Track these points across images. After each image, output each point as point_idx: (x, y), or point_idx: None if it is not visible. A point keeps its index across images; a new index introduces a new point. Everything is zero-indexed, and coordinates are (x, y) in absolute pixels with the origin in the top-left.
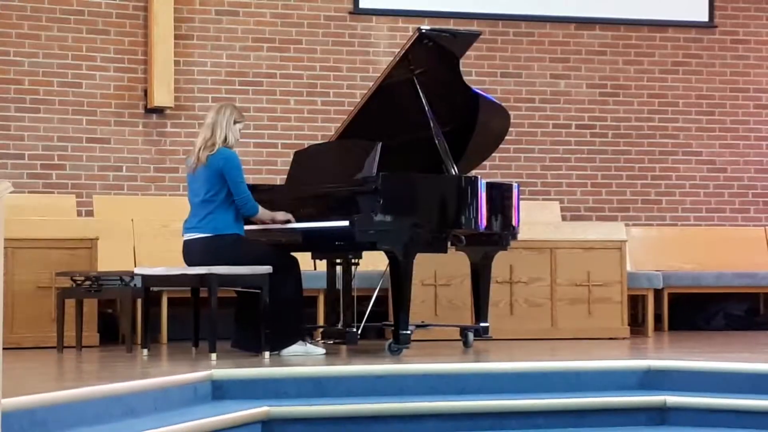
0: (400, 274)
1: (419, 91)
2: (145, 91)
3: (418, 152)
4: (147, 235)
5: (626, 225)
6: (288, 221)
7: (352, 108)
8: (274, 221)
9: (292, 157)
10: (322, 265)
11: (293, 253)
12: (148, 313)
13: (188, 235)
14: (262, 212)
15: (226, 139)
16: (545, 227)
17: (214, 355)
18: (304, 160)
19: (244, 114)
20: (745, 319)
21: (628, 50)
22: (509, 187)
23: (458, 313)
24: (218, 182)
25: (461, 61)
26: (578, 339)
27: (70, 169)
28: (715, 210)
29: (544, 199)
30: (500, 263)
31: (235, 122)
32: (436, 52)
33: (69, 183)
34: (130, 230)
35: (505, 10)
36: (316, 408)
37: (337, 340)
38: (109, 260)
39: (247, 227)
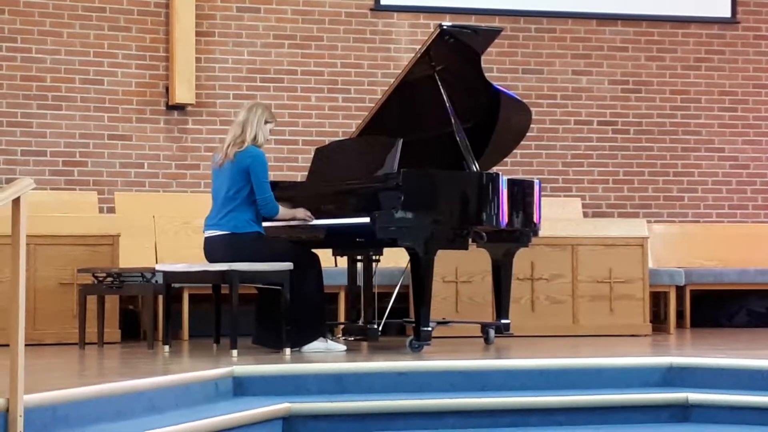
0: (421, 270)
1: (440, 87)
2: (167, 88)
3: (439, 149)
4: (168, 232)
5: (648, 222)
6: (308, 218)
7: (373, 105)
8: (294, 219)
9: (313, 153)
10: (343, 261)
11: (314, 250)
12: (170, 309)
13: (209, 232)
14: (283, 212)
15: (255, 137)
16: (567, 224)
17: (235, 352)
18: (325, 156)
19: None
20: None
21: (650, 46)
22: (530, 183)
23: (479, 309)
24: (242, 179)
25: (482, 57)
26: (600, 336)
27: (92, 166)
28: (737, 207)
29: (565, 196)
30: (521, 260)
31: (266, 122)
32: (458, 48)
33: (91, 180)
34: (152, 227)
35: (527, 6)
36: (337, 404)
37: (358, 337)
38: (131, 257)
39: (267, 224)
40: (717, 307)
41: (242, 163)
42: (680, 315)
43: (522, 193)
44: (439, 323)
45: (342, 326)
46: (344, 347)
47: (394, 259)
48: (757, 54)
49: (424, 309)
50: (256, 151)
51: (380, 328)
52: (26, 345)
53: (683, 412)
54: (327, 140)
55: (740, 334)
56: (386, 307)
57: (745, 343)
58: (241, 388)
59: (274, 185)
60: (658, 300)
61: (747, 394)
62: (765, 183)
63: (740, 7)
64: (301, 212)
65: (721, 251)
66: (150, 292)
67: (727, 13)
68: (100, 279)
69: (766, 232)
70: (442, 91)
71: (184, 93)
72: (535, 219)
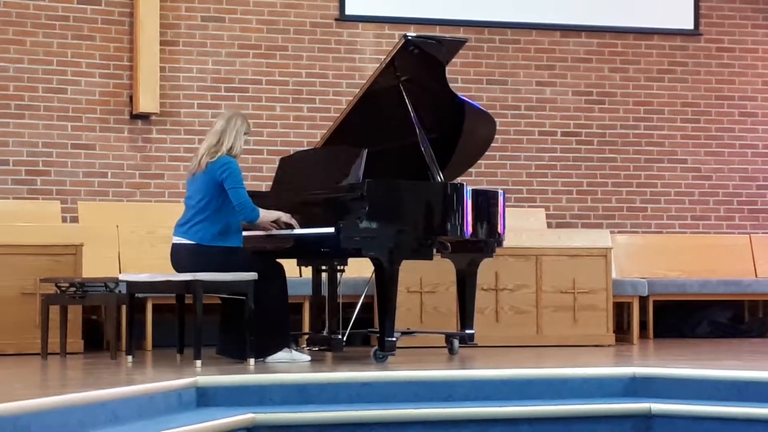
0: (385, 280)
1: (405, 98)
2: (131, 97)
3: (404, 159)
4: (132, 242)
5: (611, 232)
6: (291, 226)
7: (338, 115)
8: (278, 222)
9: (277, 163)
10: (307, 271)
11: (279, 260)
12: (133, 319)
13: (176, 238)
14: (264, 215)
15: (232, 147)
16: (531, 234)
17: (199, 362)
18: (289, 166)
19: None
20: (730, 326)
21: (614, 58)
22: (495, 194)
23: (444, 320)
24: (213, 191)
25: (447, 68)
26: (563, 346)
27: (55, 175)
28: (700, 218)
29: (529, 207)
30: (486, 270)
31: (244, 133)
32: (422, 59)
33: (54, 189)
34: (115, 236)
35: (491, 17)
36: (301, 415)
37: (322, 347)
38: (94, 266)
39: (247, 233)
40: (680, 318)
41: (213, 173)
42: (643, 325)
43: (486, 203)
44: (403, 333)
45: (306, 336)
46: (308, 358)
47: (359, 270)
48: (719, 66)
49: (388, 319)
50: (226, 158)
51: (345, 339)
52: None
53: (646, 422)
54: (292, 150)
55: (703, 345)
56: (351, 318)
57: (708, 354)
58: (205, 398)
59: None
60: (621, 310)
61: (709, 404)
62: (727, 194)
63: (703, 19)
64: (285, 216)
65: (684, 262)
66: (113, 302)
67: (690, 25)
68: (63, 289)
69: (728, 243)
70: (406, 101)
71: (148, 102)
72: (500, 229)
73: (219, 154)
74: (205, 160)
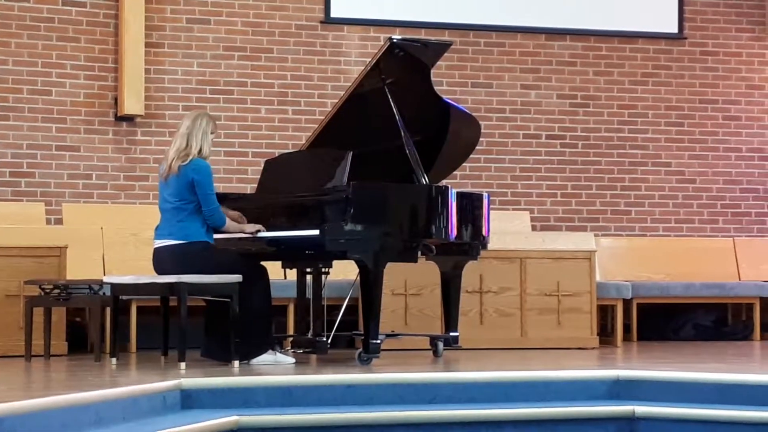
0: (370, 283)
1: (390, 100)
2: (116, 99)
3: (389, 161)
4: (116, 244)
5: (596, 235)
6: (257, 231)
7: (323, 117)
8: (243, 233)
9: (262, 165)
10: (292, 274)
11: (264, 262)
12: (117, 321)
13: (159, 242)
14: (230, 224)
15: (201, 150)
16: (515, 237)
17: (183, 364)
18: (274, 169)
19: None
20: (714, 329)
21: (599, 61)
22: (479, 196)
23: (428, 322)
24: (188, 193)
25: (432, 70)
26: (548, 349)
27: (40, 177)
28: (684, 221)
29: (514, 209)
30: (470, 273)
31: (210, 132)
32: (408, 61)
33: (38, 191)
34: (100, 238)
35: (476, 20)
36: (285, 417)
37: (307, 350)
38: (78, 268)
39: (217, 235)
40: (663, 321)
41: (186, 177)
42: (627, 328)
43: (471, 206)
44: (388, 336)
45: (291, 339)
46: (293, 360)
47: (344, 272)
48: (703, 69)
49: (373, 322)
50: (201, 163)
51: (329, 341)
52: None
53: (630, 424)
54: (277, 152)
55: (686, 347)
56: (335, 320)
57: (691, 356)
58: (189, 400)
59: (224, 197)
60: (605, 313)
61: (693, 406)
62: (711, 197)
63: (687, 23)
64: (249, 227)
65: (668, 265)
66: (97, 304)
67: (674, 29)
68: (47, 291)
69: (712, 247)
70: (391, 104)
71: (133, 104)
72: (484, 232)
73: (190, 157)
74: (176, 163)
